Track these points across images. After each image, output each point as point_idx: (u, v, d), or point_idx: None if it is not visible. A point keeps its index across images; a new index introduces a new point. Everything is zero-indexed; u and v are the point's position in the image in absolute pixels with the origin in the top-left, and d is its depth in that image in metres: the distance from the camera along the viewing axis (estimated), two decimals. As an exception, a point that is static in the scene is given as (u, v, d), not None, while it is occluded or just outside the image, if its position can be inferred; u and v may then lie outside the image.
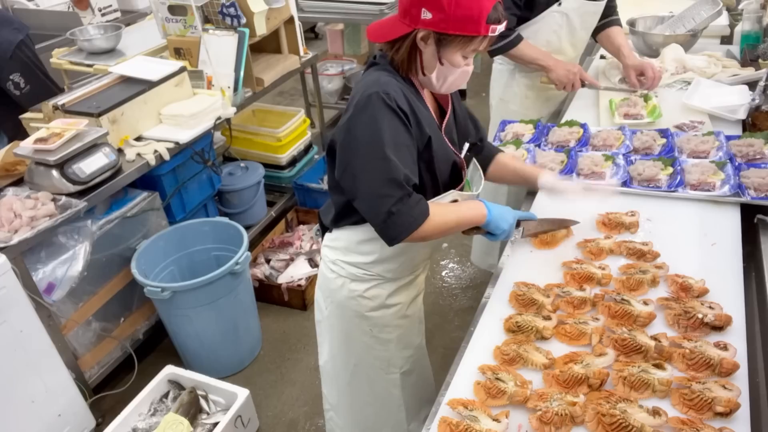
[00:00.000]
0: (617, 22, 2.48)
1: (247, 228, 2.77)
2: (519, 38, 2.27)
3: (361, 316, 1.63)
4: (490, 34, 1.25)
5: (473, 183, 1.61)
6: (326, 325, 1.74)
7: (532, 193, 1.91)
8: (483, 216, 1.44)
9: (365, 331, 1.65)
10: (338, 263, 1.60)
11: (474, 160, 1.62)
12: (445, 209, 1.41)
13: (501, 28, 1.26)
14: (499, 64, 2.57)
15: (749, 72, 2.43)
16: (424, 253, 1.64)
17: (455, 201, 1.47)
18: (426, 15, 1.24)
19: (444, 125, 1.48)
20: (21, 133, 2.55)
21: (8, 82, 2.92)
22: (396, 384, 1.76)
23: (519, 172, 1.69)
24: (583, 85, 2.33)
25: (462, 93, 5.08)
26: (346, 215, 1.51)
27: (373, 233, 1.39)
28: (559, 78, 2.29)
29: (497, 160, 1.70)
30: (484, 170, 1.67)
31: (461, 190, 1.53)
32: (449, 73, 1.34)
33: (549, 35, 2.35)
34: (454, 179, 1.52)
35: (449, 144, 1.47)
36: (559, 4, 2.27)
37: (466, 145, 1.56)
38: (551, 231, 1.64)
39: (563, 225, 1.66)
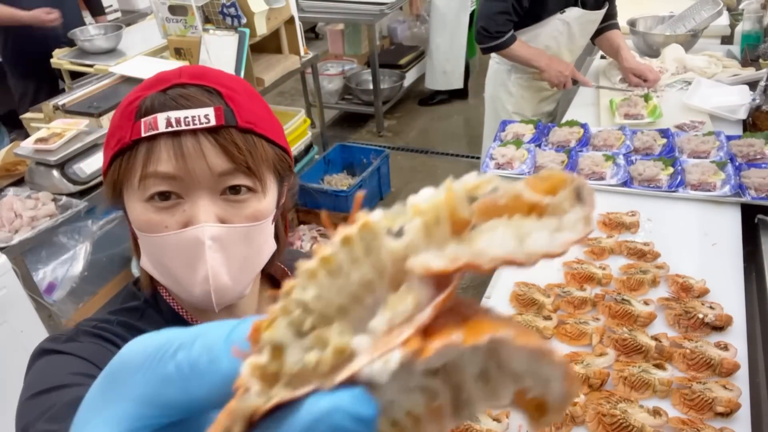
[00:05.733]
0: (616, 26, 2.53)
1: (248, 228, 2.76)
2: (513, 39, 2.32)
3: None
4: (145, 134, 0.67)
5: None
6: None
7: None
8: None
9: None
10: None
11: None
12: None
13: (187, 116, 0.67)
14: (496, 63, 2.60)
15: (750, 72, 2.43)
16: None
17: None
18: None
19: None
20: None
21: None
22: None
23: None
24: (575, 83, 2.43)
25: (462, 92, 5.06)
26: None
27: None
28: (550, 79, 2.39)
29: None
30: None
31: None
32: (155, 250, 0.72)
33: (548, 41, 2.39)
34: None
35: None
36: (563, 12, 2.30)
37: None
38: None
39: None
